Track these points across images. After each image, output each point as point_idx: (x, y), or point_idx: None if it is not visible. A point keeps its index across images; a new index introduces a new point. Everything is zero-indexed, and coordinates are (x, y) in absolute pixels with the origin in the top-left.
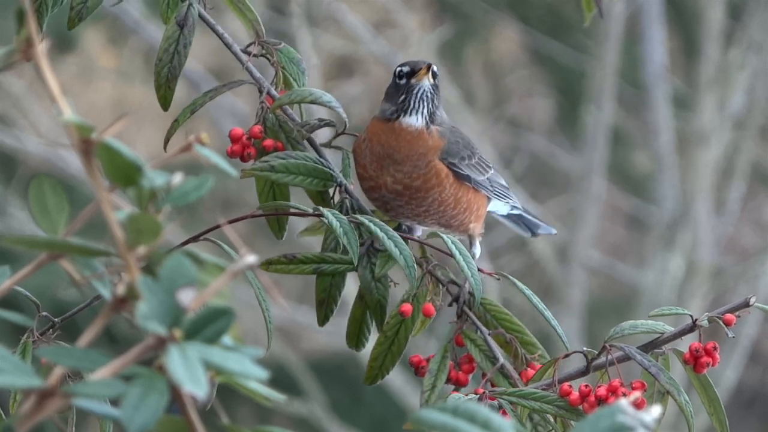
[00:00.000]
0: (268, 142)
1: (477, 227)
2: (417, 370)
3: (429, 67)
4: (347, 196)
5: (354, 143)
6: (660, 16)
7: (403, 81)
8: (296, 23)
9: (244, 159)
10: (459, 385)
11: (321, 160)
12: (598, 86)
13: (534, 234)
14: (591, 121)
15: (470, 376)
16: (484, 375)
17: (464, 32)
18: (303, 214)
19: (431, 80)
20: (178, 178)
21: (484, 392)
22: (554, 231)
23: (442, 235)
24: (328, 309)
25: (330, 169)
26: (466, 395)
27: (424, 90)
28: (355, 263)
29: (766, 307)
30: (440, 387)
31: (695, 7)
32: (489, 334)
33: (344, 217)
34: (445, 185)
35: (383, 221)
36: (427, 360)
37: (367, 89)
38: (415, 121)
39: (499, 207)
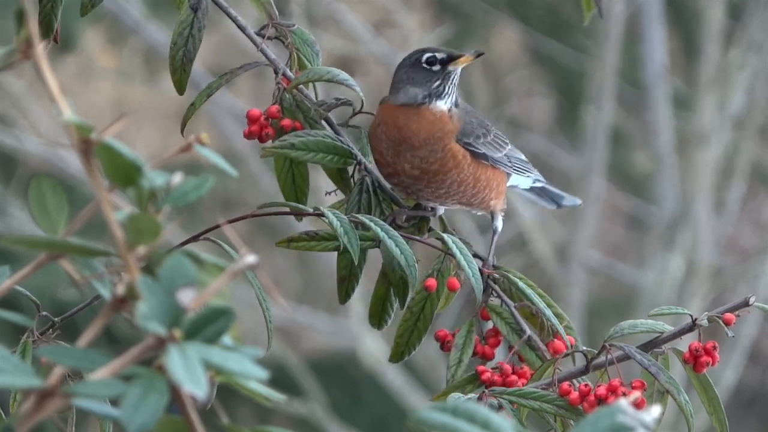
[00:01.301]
0: (286, 121)
1: (498, 203)
2: (443, 344)
3: (479, 54)
4: (366, 173)
5: (369, 129)
6: (660, 16)
7: (437, 67)
8: (296, 23)
9: (262, 139)
10: (485, 358)
11: (340, 138)
12: (598, 86)
13: (559, 205)
14: (591, 121)
15: (496, 350)
16: (510, 348)
17: (464, 32)
18: (304, 214)
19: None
20: (178, 178)
21: (483, 392)
22: (579, 202)
23: (442, 234)
24: (350, 286)
25: (349, 146)
26: (492, 369)
27: (457, 75)
28: (356, 261)
29: (765, 306)
30: (466, 361)
31: (695, 7)
32: (514, 307)
33: (344, 217)
34: (463, 166)
35: (403, 198)
36: (453, 334)
37: (367, 89)
38: (443, 104)
39: (521, 181)
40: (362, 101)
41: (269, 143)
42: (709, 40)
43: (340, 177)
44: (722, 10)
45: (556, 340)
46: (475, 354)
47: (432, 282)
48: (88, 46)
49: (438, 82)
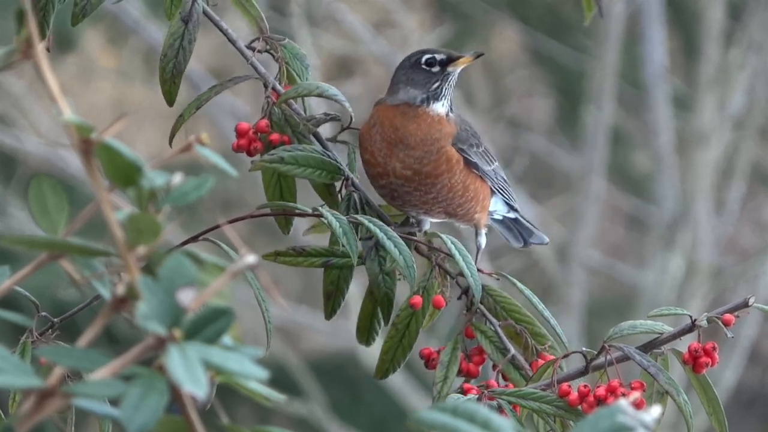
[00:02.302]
0: (275, 136)
1: (482, 218)
2: (428, 362)
3: (478, 55)
4: (354, 189)
5: (360, 129)
6: (660, 16)
7: (436, 69)
8: (296, 23)
9: (250, 153)
10: (470, 376)
11: (328, 153)
12: (598, 86)
13: (526, 244)
14: (591, 121)
15: (480, 368)
16: (494, 367)
17: (464, 32)
18: (303, 214)
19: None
20: (178, 178)
21: (483, 392)
22: (546, 240)
23: (441, 235)
24: (336, 302)
25: (337, 162)
26: (478, 387)
27: (455, 77)
28: (354, 263)
29: (765, 307)
30: (452, 379)
31: (695, 7)
32: (499, 326)
33: (343, 218)
34: (455, 171)
35: (391, 215)
36: (438, 352)
37: (367, 89)
38: (440, 107)
39: (498, 206)
40: (351, 117)
41: (257, 157)
42: (709, 40)
43: (327, 192)
44: (722, 10)
45: (539, 359)
46: (460, 372)
47: (417, 299)
48: (88, 46)
49: (437, 84)
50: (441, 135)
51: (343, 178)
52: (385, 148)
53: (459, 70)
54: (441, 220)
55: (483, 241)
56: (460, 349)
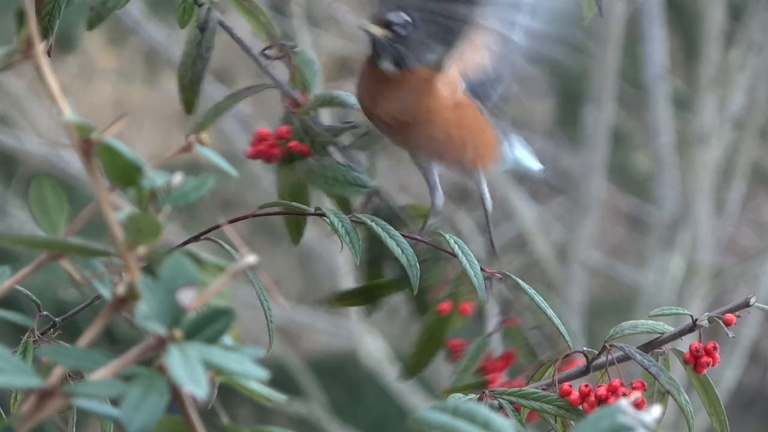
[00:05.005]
0: (294, 143)
1: (482, 165)
2: (452, 352)
3: (381, 23)
4: (379, 200)
5: (361, 66)
6: (660, 17)
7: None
8: (297, 24)
9: (269, 160)
10: (493, 375)
11: (352, 165)
12: (598, 86)
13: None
14: (591, 121)
15: (502, 372)
16: (522, 370)
17: None
18: (305, 214)
19: (381, 32)
20: (178, 178)
21: (484, 392)
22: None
23: (444, 234)
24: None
25: (361, 174)
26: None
27: (379, 41)
28: (357, 262)
29: (766, 307)
30: (471, 372)
31: (695, 8)
32: (530, 329)
33: (345, 216)
34: (436, 121)
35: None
36: (466, 344)
37: None
38: (387, 66)
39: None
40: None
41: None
42: (709, 40)
43: (346, 206)
44: (722, 11)
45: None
46: (479, 370)
47: (445, 306)
48: (88, 46)
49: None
50: (417, 86)
51: (367, 192)
52: (370, 100)
53: (377, 34)
54: (439, 165)
55: (489, 202)
56: (488, 345)
